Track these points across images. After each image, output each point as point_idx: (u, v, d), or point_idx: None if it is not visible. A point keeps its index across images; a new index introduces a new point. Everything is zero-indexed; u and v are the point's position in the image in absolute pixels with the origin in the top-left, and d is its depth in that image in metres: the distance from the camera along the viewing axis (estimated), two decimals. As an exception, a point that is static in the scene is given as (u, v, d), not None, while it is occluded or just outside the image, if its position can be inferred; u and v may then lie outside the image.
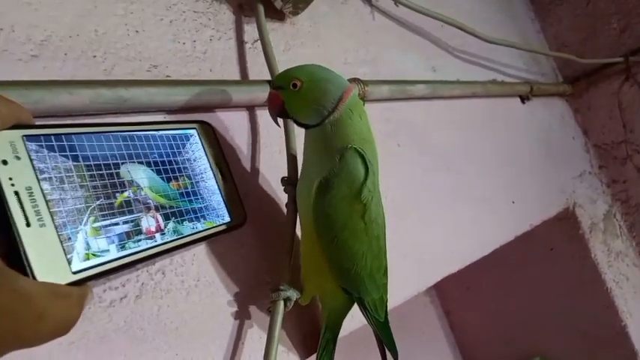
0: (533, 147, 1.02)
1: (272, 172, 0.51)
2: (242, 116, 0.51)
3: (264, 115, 0.52)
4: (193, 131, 0.43)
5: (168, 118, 0.44)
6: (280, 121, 0.48)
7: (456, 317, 1.37)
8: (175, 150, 0.41)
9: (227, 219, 0.42)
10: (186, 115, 0.45)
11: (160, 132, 0.41)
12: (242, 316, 0.43)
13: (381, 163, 0.65)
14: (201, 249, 0.42)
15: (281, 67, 0.52)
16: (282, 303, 0.43)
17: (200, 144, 0.43)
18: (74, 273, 0.30)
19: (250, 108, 0.51)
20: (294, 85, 0.41)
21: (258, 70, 0.54)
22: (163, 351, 0.37)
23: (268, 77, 0.52)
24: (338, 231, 0.41)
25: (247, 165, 0.49)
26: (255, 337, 0.44)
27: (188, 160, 0.42)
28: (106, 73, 0.42)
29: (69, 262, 0.30)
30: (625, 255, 1.18)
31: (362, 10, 0.74)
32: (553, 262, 1.14)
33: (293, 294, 0.44)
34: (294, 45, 0.60)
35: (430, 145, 0.75)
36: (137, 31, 0.45)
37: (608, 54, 1.19)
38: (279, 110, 0.44)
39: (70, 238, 0.31)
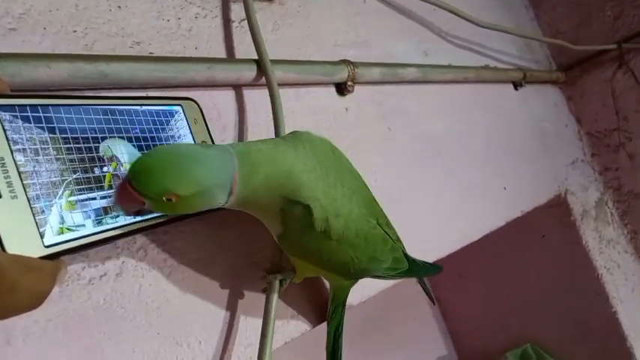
0: (525, 134, 1.02)
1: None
2: (228, 95, 0.50)
3: (250, 95, 0.51)
4: (178, 108, 0.42)
5: (154, 94, 0.43)
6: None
7: (448, 304, 1.38)
8: (159, 126, 0.40)
9: None
10: (171, 91, 0.45)
11: (144, 107, 0.40)
12: (227, 296, 0.43)
13: (370, 147, 0.64)
14: (186, 228, 0.42)
15: (270, 48, 0.51)
16: (277, 283, 0.43)
17: (185, 121, 0.43)
18: (47, 247, 0.30)
19: (237, 87, 0.51)
20: (169, 199, 0.31)
21: (245, 49, 0.53)
22: (145, 330, 0.37)
23: (255, 57, 0.51)
24: (318, 258, 0.41)
25: (233, 145, 0.49)
26: (242, 317, 0.43)
27: (172, 137, 0.41)
28: (87, 49, 0.41)
29: (41, 235, 0.30)
30: (616, 242, 1.18)
31: (353, -8, 0.73)
32: (544, 249, 1.14)
33: (288, 274, 0.44)
34: (283, 25, 0.59)
35: (421, 129, 0.74)
36: (120, 7, 0.44)
37: (602, 41, 1.18)
38: (139, 210, 0.33)
39: (43, 211, 0.30)
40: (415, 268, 0.48)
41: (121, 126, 0.38)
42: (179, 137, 0.42)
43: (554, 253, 1.12)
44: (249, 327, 0.43)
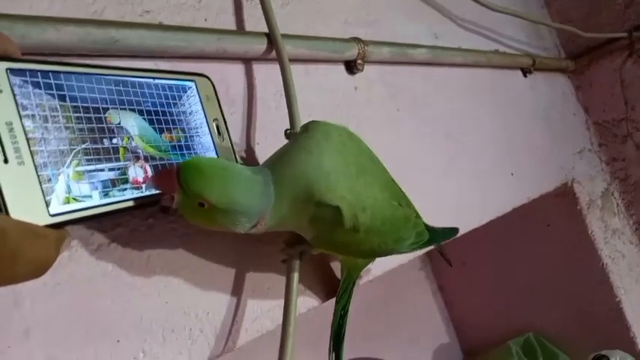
0: (533, 121, 1.01)
1: (267, 126, 0.49)
2: (237, 68, 0.49)
3: (261, 69, 0.51)
4: (192, 84, 0.42)
5: (163, 65, 0.43)
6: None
7: (451, 292, 1.37)
8: (171, 101, 0.40)
9: None
10: (183, 63, 0.44)
11: (157, 80, 0.39)
12: (236, 269, 0.43)
13: (378, 127, 0.64)
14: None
15: (279, 23, 0.50)
16: (297, 257, 0.43)
17: (198, 97, 0.42)
18: (52, 215, 0.29)
19: (246, 61, 0.50)
20: (201, 204, 0.33)
21: (255, 23, 0.52)
22: (152, 298, 0.37)
23: (266, 30, 0.50)
24: (345, 250, 0.42)
25: (241, 119, 0.48)
26: (250, 290, 0.43)
27: (184, 112, 0.40)
28: (96, 15, 0.40)
29: (47, 204, 0.29)
30: (622, 233, 1.17)
31: (363, -29, 0.72)
32: (549, 238, 1.13)
33: (308, 247, 0.43)
34: (293, 1, 0.58)
35: (429, 111, 0.74)
36: (129, -26, 0.43)
37: (612, 30, 1.17)
38: (167, 206, 0.34)
39: (50, 180, 0.30)
40: (435, 236, 0.49)
41: (133, 98, 0.37)
42: (190, 113, 0.41)
43: (559, 242, 1.12)
44: (257, 300, 0.43)
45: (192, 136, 0.40)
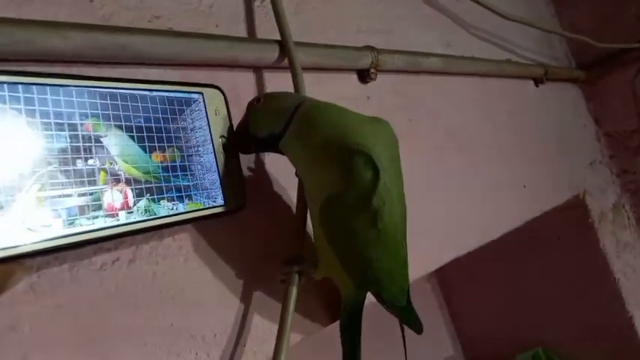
0: (544, 132, 0.99)
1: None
2: (248, 77, 0.47)
3: (272, 78, 0.49)
4: (198, 96, 0.38)
5: (172, 73, 0.41)
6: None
7: (457, 306, 1.35)
8: (169, 116, 0.36)
9: (220, 202, 0.37)
10: (192, 71, 0.42)
11: (154, 93, 0.35)
12: (244, 288, 0.41)
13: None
14: (202, 214, 0.39)
15: (292, 30, 0.49)
16: (296, 275, 0.40)
17: (204, 111, 0.38)
18: None
19: (257, 69, 0.48)
20: (258, 100, 0.40)
21: (266, 30, 0.50)
22: (158, 320, 0.35)
23: (277, 37, 0.48)
24: (349, 242, 0.37)
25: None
26: (259, 310, 0.41)
27: (184, 129, 0.36)
28: (104, 20, 0.38)
29: None
30: (633, 247, 1.15)
31: (376, -22, 0.70)
32: (560, 252, 1.11)
33: (308, 268, 0.40)
34: (306, 9, 0.57)
35: (442, 122, 0.72)
36: (139, -21, 0.42)
37: (624, 41, 1.15)
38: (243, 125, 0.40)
39: (2, 207, 0.26)
40: (408, 312, 0.43)
41: (121, 113, 0.33)
42: (192, 129, 0.37)
43: (570, 256, 1.10)
44: (265, 321, 0.41)
45: (191, 155, 0.36)
